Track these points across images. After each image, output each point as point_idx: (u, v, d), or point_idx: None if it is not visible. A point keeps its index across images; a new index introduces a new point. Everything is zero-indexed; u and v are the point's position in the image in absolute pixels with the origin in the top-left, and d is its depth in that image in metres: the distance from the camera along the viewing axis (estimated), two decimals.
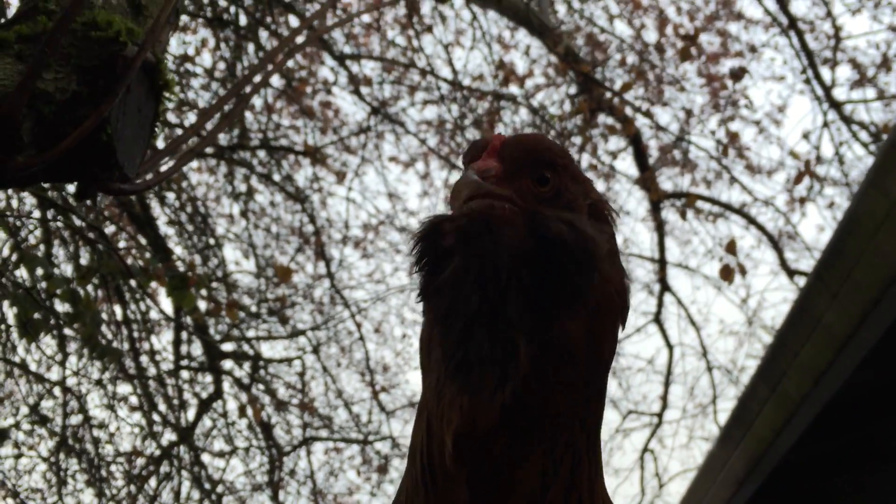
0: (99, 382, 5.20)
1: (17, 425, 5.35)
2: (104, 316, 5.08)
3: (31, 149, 0.97)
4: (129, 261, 3.99)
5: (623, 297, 0.87)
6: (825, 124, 6.09)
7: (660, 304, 7.01)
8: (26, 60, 0.98)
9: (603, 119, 5.94)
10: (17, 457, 5.74)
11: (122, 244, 5.25)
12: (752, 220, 6.45)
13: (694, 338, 7.42)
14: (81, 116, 0.98)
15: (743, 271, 4.88)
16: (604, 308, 0.83)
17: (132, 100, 1.08)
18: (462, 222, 0.78)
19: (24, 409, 5.67)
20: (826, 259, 2.65)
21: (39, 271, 2.90)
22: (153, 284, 3.22)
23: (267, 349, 8.00)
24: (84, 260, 4.11)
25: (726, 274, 4.84)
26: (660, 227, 6.33)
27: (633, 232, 6.89)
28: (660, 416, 7.46)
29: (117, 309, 5.35)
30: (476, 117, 6.62)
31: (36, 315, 2.56)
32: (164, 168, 1.33)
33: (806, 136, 6.07)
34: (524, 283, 0.77)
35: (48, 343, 4.83)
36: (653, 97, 6.46)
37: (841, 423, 3.61)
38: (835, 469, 4.39)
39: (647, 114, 6.20)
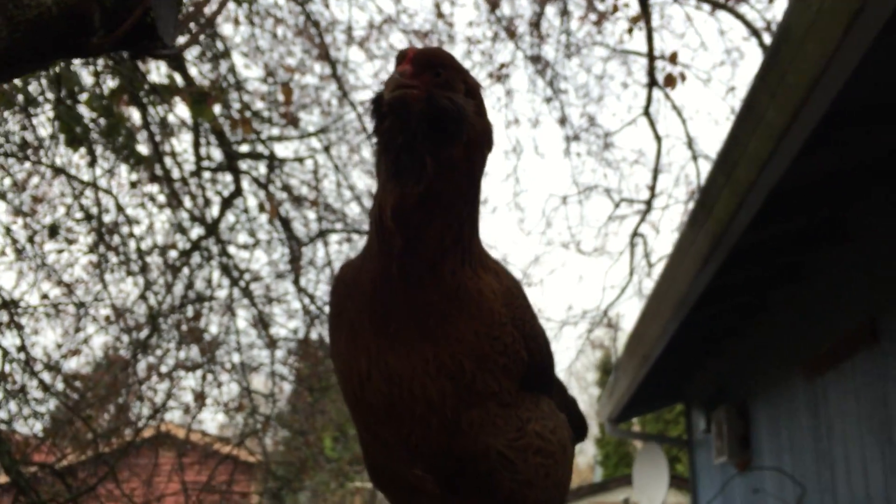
0: (133, 185, 5.68)
1: (58, 223, 5.87)
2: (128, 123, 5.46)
3: (101, 31, 1.37)
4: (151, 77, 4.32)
5: (487, 136, 1.41)
6: None
7: (649, 99, 7.31)
8: None
9: None
10: (60, 251, 6.35)
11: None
12: (737, 15, 6.61)
13: (681, 129, 7.75)
14: (132, 6, 1.37)
15: (683, 78, 5.18)
16: (473, 142, 1.36)
17: None
18: (390, 99, 1.31)
19: (61, 210, 6.20)
20: (767, 62, 2.98)
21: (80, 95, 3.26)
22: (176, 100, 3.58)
23: (281, 149, 8.42)
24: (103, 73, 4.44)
25: (669, 81, 5.13)
26: (648, 22, 6.50)
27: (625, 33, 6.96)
28: (649, 203, 7.99)
29: (136, 114, 5.72)
30: None
31: (77, 127, 2.96)
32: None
33: None
34: (426, 130, 1.31)
35: (83, 154, 5.26)
36: None
37: (786, 208, 4.06)
38: (785, 249, 4.90)
39: None
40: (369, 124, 1.39)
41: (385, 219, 1.30)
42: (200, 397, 6.63)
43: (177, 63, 5.26)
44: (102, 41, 1.36)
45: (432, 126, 1.31)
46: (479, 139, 1.38)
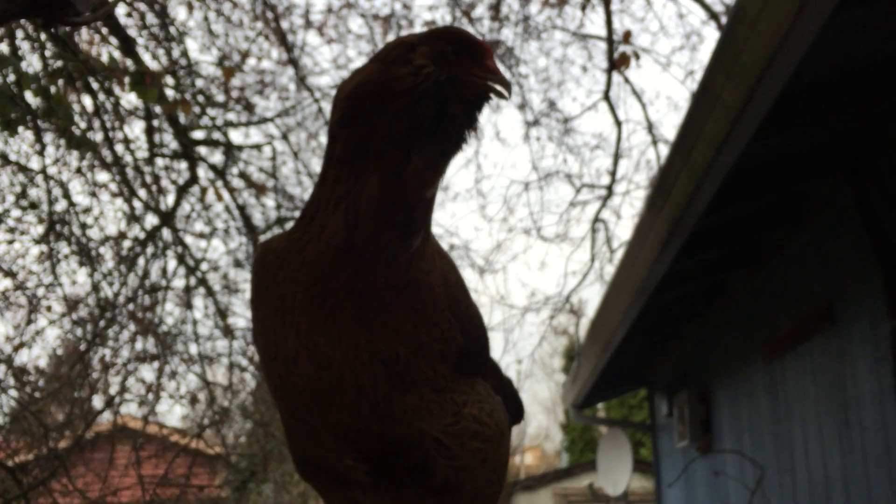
0: (79, 171, 5.52)
1: (7, 212, 5.70)
2: (76, 108, 5.32)
3: None
4: (99, 57, 4.17)
5: None
6: None
7: (608, 83, 7.29)
8: None
9: None
10: (10, 242, 6.16)
11: (88, 39, 5.38)
12: None
13: (641, 114, 7.77)
14: None
15: (637, 57, 5.17)
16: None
17: None
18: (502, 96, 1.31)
19: (10, 199, 6.01)
20: (722, 42, 2.95)
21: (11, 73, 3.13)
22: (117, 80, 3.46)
23: (239, 136, 8.28)
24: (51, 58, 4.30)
25: (623, 61, 5.12)
26: (607, 6, 6.47)
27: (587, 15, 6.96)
28: (609, 188, 7.98)
29: (87, 101, 5.57)
30: None
31: (12, 113, 2.85)
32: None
33: None
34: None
35: (26, 137, 5.10)
36: None
37: (743, 190, 4.05)
38: (743, 233, 4.90)
39: None
40: (470, 116, 1.31)
41: (407, 201, 1.23)
42: (154, 389, 6.51)
43: (126, 46, 5.11)
44: (6, 6, 1.27)
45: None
46: None
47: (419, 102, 1.22)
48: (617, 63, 5.10)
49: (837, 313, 4.22)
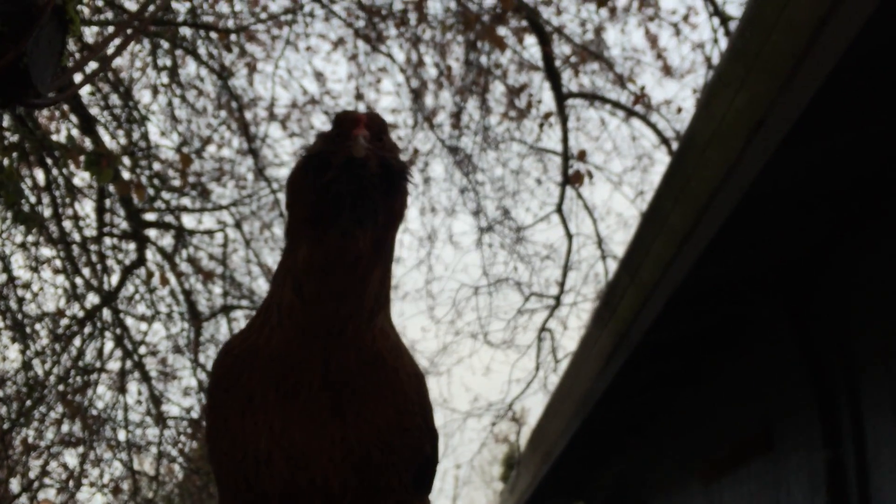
0: (22, 245, 5.40)
1: None
2: (28, 181, 5.25)
3: None
4: (55, 136, 4.15)
5: (406, 198, 1.43)
6: (715, 40, 6.40)
7: (562, 197, 7.47)
8: None
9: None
10: None
11: (48, 115, 5.36)
12: (648, 123, 6.90)
13: (592, 229, 7.94)
14: (3, 51, 1.28)
15: (590, 176, 5.38)
16: (405, 196, 1.39)
17: (44, 35, 1.37)
18: (361, 158, 1.31)
19: None
20: (671, 168, 3.06)
21: None
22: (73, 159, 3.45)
23: (191, 221, 8.24)
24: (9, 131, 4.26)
25: (576, 178, 5.31)
26: (564, 124, 6.71)
27: (545, 130, 7.21)
28: (557, 299, 8.07)
29: (40, 175, 5.50)
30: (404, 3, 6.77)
31: None
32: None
33: (701, 46, 6.43)
34: (379, 185, 1.31)
35: None
36: None
37: (688, 310, 4.12)
38: (686, 351, 4.97)
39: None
40: (309, 179, 1.35)
41: (335, 267, 1.27)
42: (76, 477, 6.21)
43: (86, 125, 5.11)
44: None
45: (384, 182, 1.33)
46: (405, 199, 1.41)
47: (307, 179, 1.32)
48: (571, 179, 5.27)
49: (775, 438, 4.25)
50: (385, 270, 1.34)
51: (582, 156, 5.46)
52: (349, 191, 1.30)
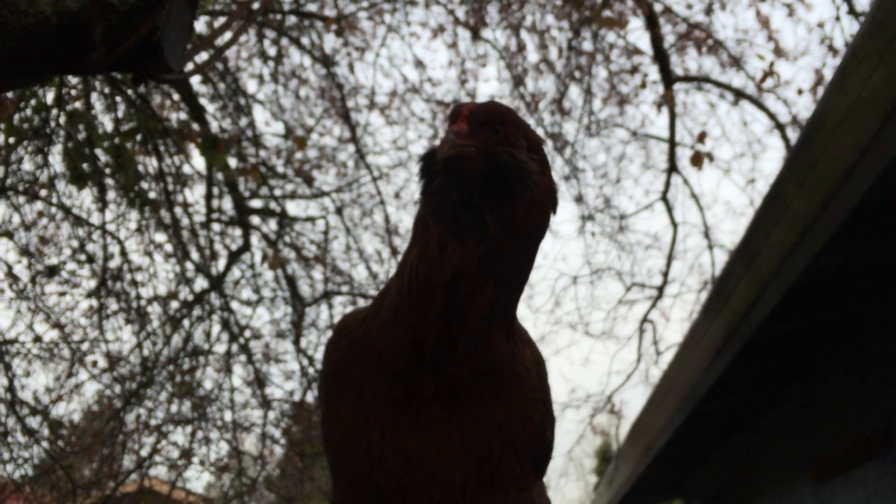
0: (138, 230, 5.60)
1: (63, 264, 5.79)
2: (141, 169, 5.43)
3: (102, 48, 1.28)
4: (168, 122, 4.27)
5: (551, 195, 1.29)
6: (837, 17, 6.08)
7: (667, 184, 7.27)
8: None
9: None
10: (62, 294, 6.24)
11: (158, 104, 5.53)
12: (761, 107, 6.62)
13: (698, 217, 7.71)
14: (138, 23, 1.29)
15: (711, 158, 5.17)
16: (536, 201, 1.25)
17: (175, 10, 1.38)
18: (444, 159, 1.20)
19: (68, 251, 6.11)
20: (795, 151, 2.90)
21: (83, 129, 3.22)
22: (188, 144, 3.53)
23: (293, 207, 8.39)
24: (123, 119, 4.41)
25: (696, 160, 5.12)
26: (671, 109, 6.51)
27: (648, 116, 7.01)
28: (660, 289, 7.86)
29: (153, 162, 5.69)
30: None
31: (84, 165, 2.90)
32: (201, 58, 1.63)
33: (821, 25, 6.13)
34: (486, 188, 1.20)
35: (90, 193, 5.20)
36: None
37: (807, 302, 3.93)
38: (801, 345, 4.75)
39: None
40: (417, 184, 1.29)
41: (436, 281, 1.18)
42: (186, 454, 6.43)
43: (196, 113, 5.24)
44: (102, 58, 1.27)
45: (493, 184, 1.21)
46: (542, 198, 1.26)
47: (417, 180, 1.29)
48: (691, 162, 5.10)
49: (895, 438, 4.03)
50: (502, 285, 1.22)
51: (702, 137, 5.26)
52: (444, 198, 1.20)
